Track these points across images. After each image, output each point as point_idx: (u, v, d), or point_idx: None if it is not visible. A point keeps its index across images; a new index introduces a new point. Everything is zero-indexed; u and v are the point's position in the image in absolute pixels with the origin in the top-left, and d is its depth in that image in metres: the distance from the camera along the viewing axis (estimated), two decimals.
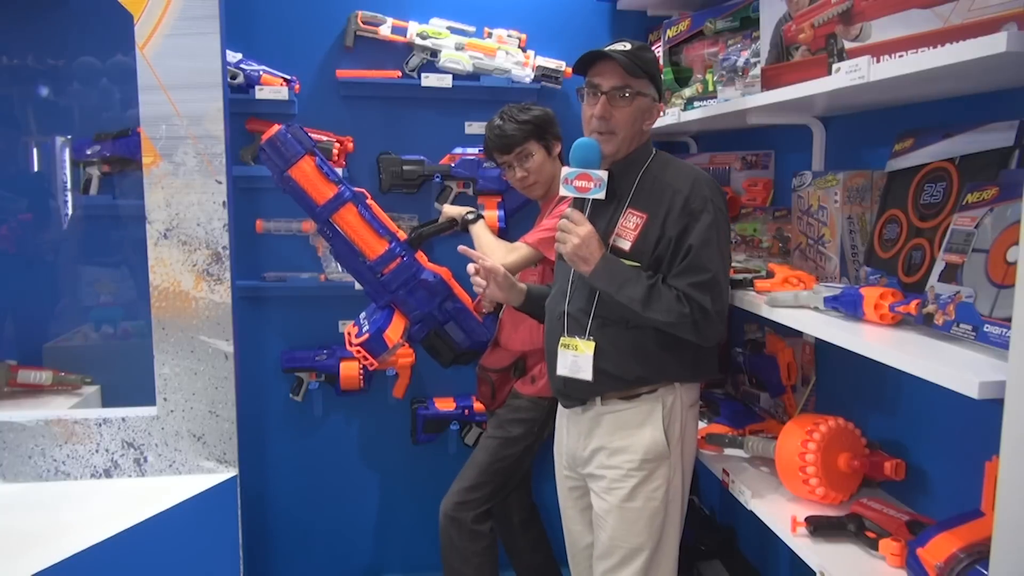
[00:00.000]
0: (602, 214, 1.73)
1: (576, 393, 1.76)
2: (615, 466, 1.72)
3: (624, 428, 1.71)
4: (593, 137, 1.69)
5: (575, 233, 1.64)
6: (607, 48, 1.67)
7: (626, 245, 1.67)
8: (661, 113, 1.77)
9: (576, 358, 1.71)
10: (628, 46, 1.67)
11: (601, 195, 1.64)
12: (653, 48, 2.44)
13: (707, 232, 1.60)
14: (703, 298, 1.57)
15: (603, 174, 1.64)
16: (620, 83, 1.66)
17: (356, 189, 2.28)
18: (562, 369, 1.73)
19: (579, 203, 1.72)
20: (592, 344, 1.70)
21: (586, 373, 1.70)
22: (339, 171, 2.53)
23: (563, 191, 1.67)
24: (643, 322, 1.63)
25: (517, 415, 2.24)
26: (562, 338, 1.74)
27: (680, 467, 1.73)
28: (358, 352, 2.27)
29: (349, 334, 2.34)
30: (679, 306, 1.58)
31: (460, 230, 2.37)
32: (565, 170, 1.67)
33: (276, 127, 2.16)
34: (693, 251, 1.60)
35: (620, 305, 1.63)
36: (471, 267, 1.88)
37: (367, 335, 2.24)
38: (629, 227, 1.67)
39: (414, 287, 2.28)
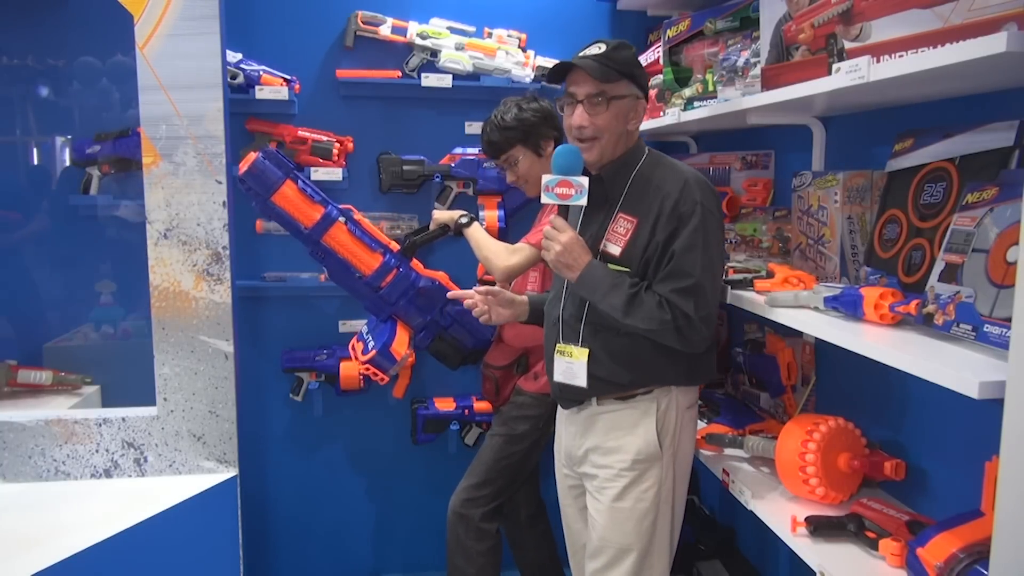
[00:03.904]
0: (594, 219, 1.72)
1: (573, 396, 1.76)
2: (607, 465, 1.72)
3: (618, 428, 1.71)
4: (575, 145, 1.67)
5: (557, 240, 1.64)
6: (580, 55, 1.66)
7: (616, 250, 1.65)
8: (645, 110, 1.73)
9: (570, 365, 1.71)
10: (603, 47, 1.64)
11: (583, 201, 1.62)
12: (653, 47, 2.45)
13: (692, 236, 1.58)
14: (686, 304, 1.55)
15: (584, 180, 1.61)
16: (594, 90, 1.63)
17: (342, 206, 2.24)
18: (558, 375, 1.74)
19: (564, 209, 1.71)
20: (586, 351, 1.69)
21: (580, 380, 1.70)
22: (340, 171, 2.53)
23: (544, 199, 1.63)
24: (629, 329, 1.62)
25: (521, 412, 2.24)
26: (558, 344, 1.75)
27: (672, 469, 1.71)
28: (367, 369, 2.22)
29: (354, 349, 2.30)
30: (660, 313, 1.56)
31: (454, 234, 2.34)
32: (546, 178, 1.62)
33: (252, 156, 2.10)
34: (676, 256, 1.58)
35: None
36: (467, 303, 1.90)
37: (374, 352, 2.19)
38: (619, 232, 1.66)
39: (413, 296, 2.25)
